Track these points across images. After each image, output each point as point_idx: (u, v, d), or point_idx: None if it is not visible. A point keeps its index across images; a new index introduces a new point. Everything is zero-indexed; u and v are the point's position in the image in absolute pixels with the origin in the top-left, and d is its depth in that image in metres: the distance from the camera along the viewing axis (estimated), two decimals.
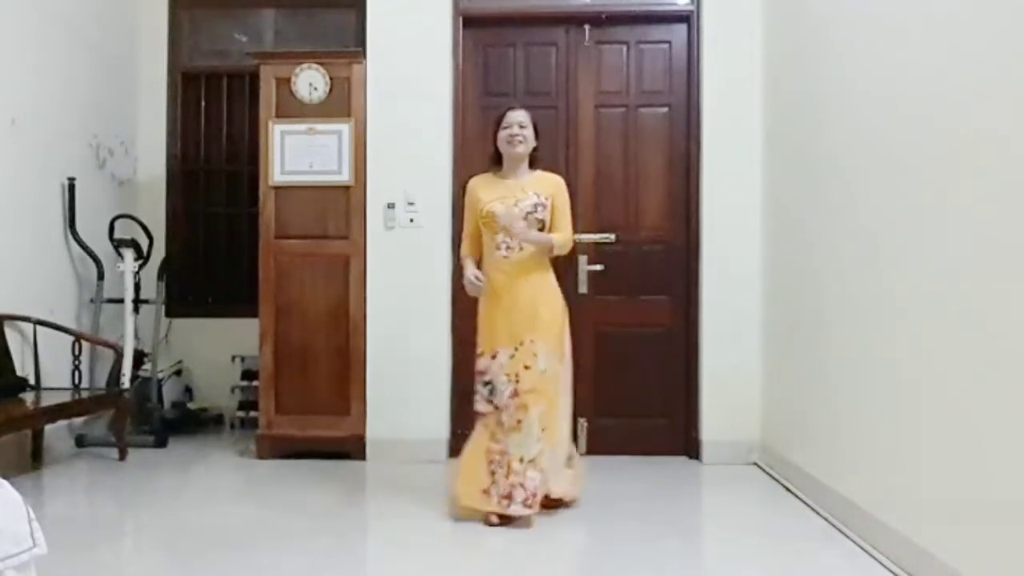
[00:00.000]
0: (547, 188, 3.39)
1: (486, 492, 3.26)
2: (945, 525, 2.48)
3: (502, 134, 3.39)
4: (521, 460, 3.24)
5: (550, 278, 3.41)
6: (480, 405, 3.35)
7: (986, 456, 2.28)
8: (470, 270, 3.40)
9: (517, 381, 3.27)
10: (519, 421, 3.26)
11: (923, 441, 2.63)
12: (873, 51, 3.04)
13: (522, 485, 3.23)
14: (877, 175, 2.98)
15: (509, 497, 3.23)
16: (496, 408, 3.30)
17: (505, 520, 3.23)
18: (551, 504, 3.39)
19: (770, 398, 4.25)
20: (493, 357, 3.31)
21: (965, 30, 2.43)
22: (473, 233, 3.46)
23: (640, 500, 3.71)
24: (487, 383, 3.33)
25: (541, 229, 3.35)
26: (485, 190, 3.40)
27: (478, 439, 3.35)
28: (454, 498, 3.39)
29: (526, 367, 3.27)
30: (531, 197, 3.33)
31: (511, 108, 3.44)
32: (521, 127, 3.36)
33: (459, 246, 4.42)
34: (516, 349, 3.28)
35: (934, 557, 2.50)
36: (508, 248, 3.33)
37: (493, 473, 3.27)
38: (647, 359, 4.51)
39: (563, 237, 3.40)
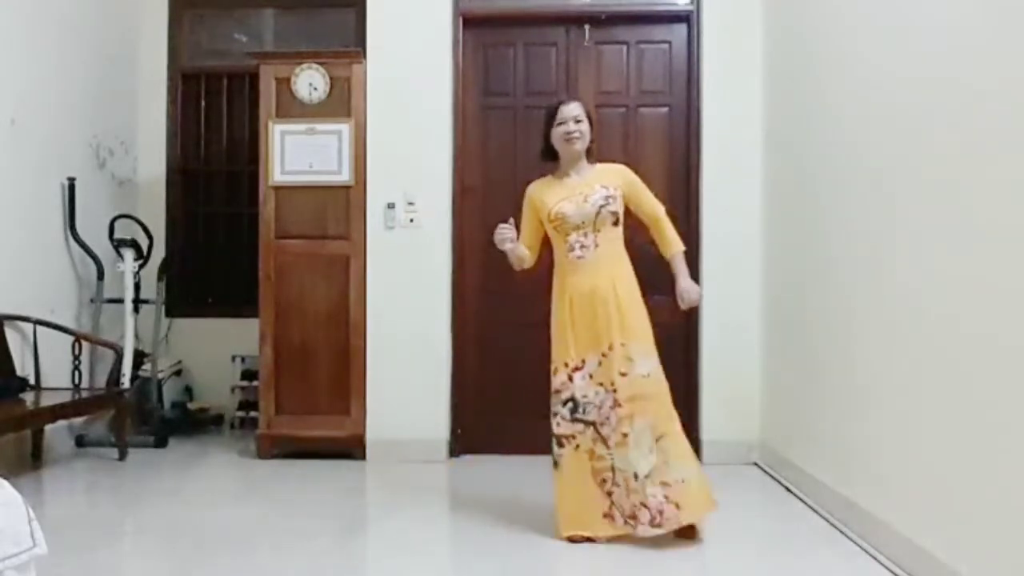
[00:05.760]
0: (613, 179, 3.14)
1: (608, 516, 2.99)
2: (945, 525, 2.48)
3: (556, 131, 3.11)
4: (636, 477, 2.95)
5: (629, 269, 3.15)
6: (563, 427, 3.03)
7: (987, 456, 2.28)
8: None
9: (614, 390, 2.98)
10: (625, 435, 2.96)
11: (923, 441, 2.63)
12: (873, 50, 3.04)
13: (644, 504, 2.94)
14: (878, 175, 2.97)
15: (634, 518, 2.96)
16: (588, 424, 3.01)
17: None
18: (686, 534, 3.02)
19: (770, 398, 4.25)
20: (576, 369, 3.02)
21: (964, 32, 2.43)
22: (530, 243, 3.21)
23: None
24: (567, 401, 3.02)
25: (616, 222, 3.12)
26: (548, 193, 3.14)
27: (573, 463, 3.02)
28: (559, 529, 3.06)
29: (622, 373, 2.98)
30: (599, 191, 3.08)
31: (563, 102, 3.15)
32: (577, 122, 3.08)
33: (460, 246, 4.49)
34: (604, 355, 3.00)
35: (934, 557, 2.50)
36: (583, 248, 3.08)
37: (610, 494, 2.99)
38: None
39: (670, 228, 3.23)
